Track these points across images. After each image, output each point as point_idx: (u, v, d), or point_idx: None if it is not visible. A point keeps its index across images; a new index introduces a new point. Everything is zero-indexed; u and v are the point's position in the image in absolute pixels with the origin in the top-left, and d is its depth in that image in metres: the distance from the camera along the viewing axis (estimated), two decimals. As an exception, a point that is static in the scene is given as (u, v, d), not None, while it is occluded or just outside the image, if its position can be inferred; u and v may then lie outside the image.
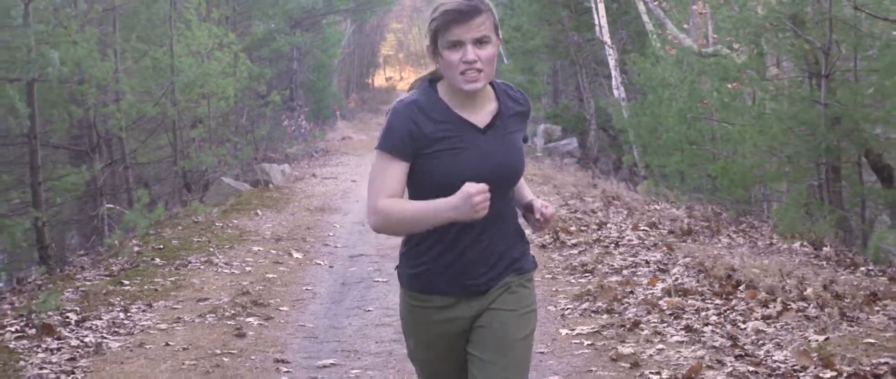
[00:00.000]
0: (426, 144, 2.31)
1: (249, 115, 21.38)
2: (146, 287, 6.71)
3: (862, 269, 6.89)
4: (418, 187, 2.36)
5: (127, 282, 6.87)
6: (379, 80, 60.30)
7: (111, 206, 12.22)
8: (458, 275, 2.38)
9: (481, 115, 2.38)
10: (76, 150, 12.35)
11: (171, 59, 13.74)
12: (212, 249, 8.25)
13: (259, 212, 11.00)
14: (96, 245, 10.79)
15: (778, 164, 10.45)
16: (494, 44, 2.29)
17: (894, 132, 9.28)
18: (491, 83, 2.39)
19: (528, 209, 2.49)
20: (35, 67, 9.01)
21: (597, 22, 18.85)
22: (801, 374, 4.30)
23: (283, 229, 9.69)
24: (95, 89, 11.01)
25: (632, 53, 16.44)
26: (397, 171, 2.32)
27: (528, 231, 2.71)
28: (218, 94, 15.12)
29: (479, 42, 2.26)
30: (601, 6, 18.73)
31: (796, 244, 8.12)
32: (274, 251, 8.32)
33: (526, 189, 2.54)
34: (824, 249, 7.74)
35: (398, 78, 60.67)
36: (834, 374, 4.24)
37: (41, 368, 4.71)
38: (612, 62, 18.57)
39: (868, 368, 4.26)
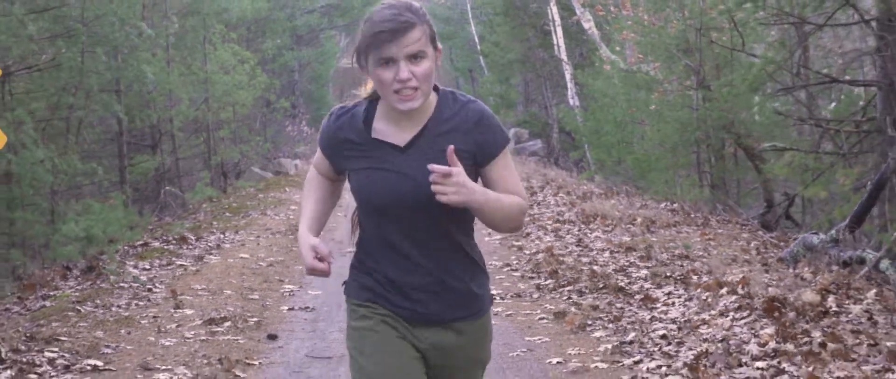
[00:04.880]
0: (346, 156, 2.29)
1: (261, 120, 25.15)
2: (228, 225, 10.47)
3: (691, 215, 10.68)
4: (357, 203, 2.36)
5: (215, 223, 10.63)
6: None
7: (169, 188, 16.00)
8: (404, 298, 2.29)
9: (408, 131, 2.23)
10: (142, 145, 16.09)
11: (205, 74, 17.51)
12: (263, 208, 12.03)
13: (287, 189, 14.80)
14: (163, 217, 14.51)
15: (669, 155, 14.27)
16: (431, 58, 2.13)
17: (750, 130, 13.07)
18: (441, 93, 2.23)
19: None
20: (133, 83, 12.75)
21: (555, 42, 22.69)
22: (605, 251, 8.07)
23: (307, 199, 13.45)
24: (162, 97, 14.75)
25: (583, 68, 20.25)
26: (323, 159, 2.39)
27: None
28: (238, 103, 18.93)
29: (414, 57, 2.10)
30: (559, 29, 22.57)
31: (663, 205, 11.90)
32: (305, 209, 12.08)
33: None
34: (675, 205, 11.53)
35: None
36: (623, 250, 8.01)
37: (192, 253, 8.46)
38: (568, 76, 22.38)
39: (639, 248, 8.03)
